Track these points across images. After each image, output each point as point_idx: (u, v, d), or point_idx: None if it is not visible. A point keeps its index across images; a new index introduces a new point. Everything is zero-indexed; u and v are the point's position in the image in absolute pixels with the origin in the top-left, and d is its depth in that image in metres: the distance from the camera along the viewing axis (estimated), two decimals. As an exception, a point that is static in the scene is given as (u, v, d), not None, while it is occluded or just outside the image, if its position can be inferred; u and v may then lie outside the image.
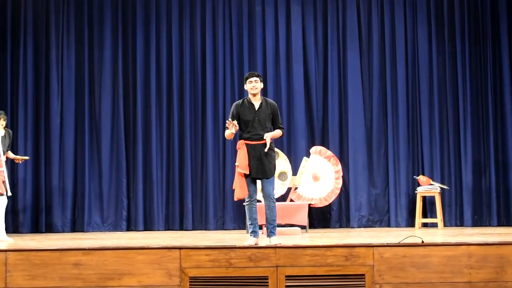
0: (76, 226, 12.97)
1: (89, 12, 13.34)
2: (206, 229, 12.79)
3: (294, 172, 12.15)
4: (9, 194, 10.39)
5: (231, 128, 8.08)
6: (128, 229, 12.86)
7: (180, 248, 7.50)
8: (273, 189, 8.35)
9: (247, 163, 8.15)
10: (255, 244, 7.89)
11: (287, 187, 12.14)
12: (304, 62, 13.13)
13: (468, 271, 7.33)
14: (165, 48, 13.29)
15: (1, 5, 13.28)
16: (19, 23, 13.27)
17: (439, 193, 12.18)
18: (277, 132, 8.34)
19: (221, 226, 12.89)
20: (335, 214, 12.85)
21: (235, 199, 8.45)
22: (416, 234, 9.22)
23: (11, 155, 10.80)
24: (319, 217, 12.87)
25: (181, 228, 12.90)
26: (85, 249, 7.59)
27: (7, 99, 13.13)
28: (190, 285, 7.36)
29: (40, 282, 7.43)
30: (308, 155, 12.19)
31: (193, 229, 12.78)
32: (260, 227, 11.62)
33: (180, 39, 13.32)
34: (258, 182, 8.41)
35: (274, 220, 8.29)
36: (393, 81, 13.05)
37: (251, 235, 8.22)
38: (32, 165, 12.96)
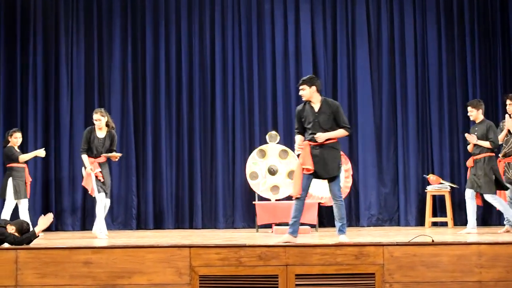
0: (86, 224, 12.99)
1: (99, 11, 13.36)
2: (215, 228, 12.80)
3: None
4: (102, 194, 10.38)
5: (298, 150, 8.29)
6: (138, 227, 12.87)
7: (190, 246, 7.50)
8: (339, 188, 8.36)
9: (311, 161, 8.16)
10: (288, 242, 7.88)
11: (296, 186, 12.14)
12: (313, 60, 13.13)
13: (479, 270, 7.31)
14: (174, 47, 13.31)
15: (11, 5, 13.31)
16: (28, 22, 13.29)
17: (449, 192, 12.16)
18: (340, 132, 8.27)
19: (231, 224, 12.90)
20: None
21: (292, 195, 8.41)
22: (426, 233, 9.21)
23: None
24: (329, 216, 12.82)
25: (191, 226, 12.91)
26: (95, 248, 7.61)
27: (17, 98, 13.15)
28: (200, 283, 7.36)
29: (51, 280, 7.45)
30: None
31: (202, 228, 12.79)
32: (268, 226, 11.68)
33: (189, 38, 13.33)
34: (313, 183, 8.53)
35: (343, 218, 8.25)
36: (402, 79, 13.03)
37: (288, 231, 8.18)
38: (42, 163, 12.98)
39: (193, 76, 13.23)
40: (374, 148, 12.93)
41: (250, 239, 9.15)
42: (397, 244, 7.44)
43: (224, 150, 13.07)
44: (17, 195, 10.97)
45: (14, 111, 13.13)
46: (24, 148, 12.92)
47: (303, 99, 8.34)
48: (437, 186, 12.18)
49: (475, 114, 10.37)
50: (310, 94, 8.28)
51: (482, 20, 13.02)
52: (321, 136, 8.12)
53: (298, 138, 8.33)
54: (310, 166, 8.13)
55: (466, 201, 10.33)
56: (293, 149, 12.45)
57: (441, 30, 13.06)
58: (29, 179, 11.35)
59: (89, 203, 12.93)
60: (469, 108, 10.44)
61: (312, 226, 11.51)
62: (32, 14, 13.28)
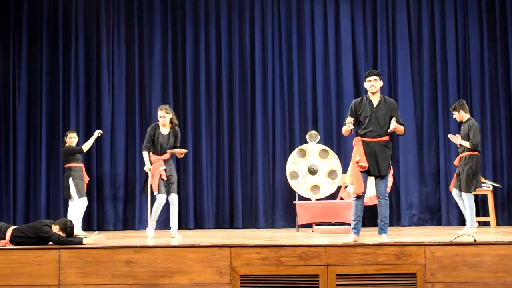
0: (128, 224, 13.10)
1: (139, 12, 13.47)
2: (256, 228, 12.81)
3: (344, 170, 12.10)
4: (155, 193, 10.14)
5: (350, 126, 8.01)
6: (179, 227, 12.80)
7: (230, 246, 7.51)
8: (386, 187, 8.24)
9: (366, 158, 8.09)
10: (354, 242, 7.83)
11: (337, 186, 12.12)
12: (353, 60, 13.09)
13: (522, 270, 7.23)
14: (214, 46, 13.35)
15: (53, 7, 13.48)
16: (70, 24, 13.45)
17: (491, 191, 12.03)
18: (401, 127, 8.21)
19: (271, 224, 12.90)
20: (385, 212, 12.76)
21: (353, 194, 8.35)
22: (466, 233, 9.12)
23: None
24: (369, 216, 12.75)
25: (231, 226, 12.94)
26: (136, 247, 7.65)
27: (59, 99, 13.31)
28: (240, 283, 7.37)
29: (93, 280, 7.51)
30: (358, 153, 12.13)
31: (243, 228, 12.81)
32: (308, 226, 11.65)
33: (229, 38, 13.36)
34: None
35: (386, 218, 8.14)
36: (443, 79, 12.92)
37: (352, 231, 8.10)
38: (84, 163, 13.11)
39: (233, 76, 13.26)
40: (415, 148, 12.84)
41: (291, 239, 9.13)
42: (439, 244, 7.37)
43: (264, 150, 13.08)
44: (80, 193, 11.18)
45: (57, 113, 13.29)
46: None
47: (372, 90, 8.18)
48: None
49: (458, 115, 10.54)
50: (379, 87, 8.21)
51: (524, 19, 12.89)
52: (393, 124, 7.99)
53: (349, 119, 8.09)
54: (365, 163, 8.06)
55: (456, 200, 10.57)
56: (333, 149, 12.46)
57: (483, 29, 12.93)
58: (86, 178, 11.53)
59: (130, 201, 13.05)
60: (453, 112, 10.64)
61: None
62: (73, 17, 13.44)
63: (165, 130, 10.12)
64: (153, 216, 10.12)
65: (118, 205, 13.06)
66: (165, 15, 13.45)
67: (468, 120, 10.45)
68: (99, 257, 7.56)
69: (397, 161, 12.73)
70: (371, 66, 13.08)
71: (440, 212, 12.68)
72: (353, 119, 8.07)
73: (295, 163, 12.23)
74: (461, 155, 10.39)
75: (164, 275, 7.47)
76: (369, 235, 9.92)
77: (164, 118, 10.11)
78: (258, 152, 13.05)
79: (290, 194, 12.55)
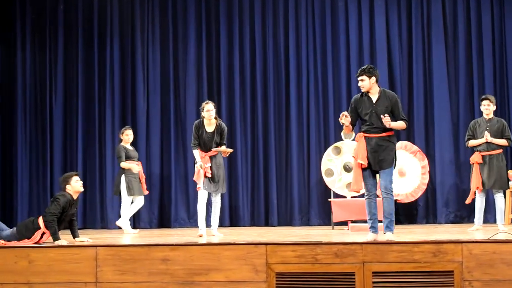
0: (163, 222, 13.16)
1: (173, 11, 13.52)
2: (291, 225, 12.80)
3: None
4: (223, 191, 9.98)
5: (342, 119, 7.94)
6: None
7: (266, 244, 7.51)
8: (391, 181, 8.05)
9: (366, 154, 7.95)
10: (374, 240, 7.74)
11: (372, 183, 12.06)
12: (388, 56, 13.01)
13: (561, 268, 7.14)
14: (248, 44, 13.36)
15: (88, 6, 13.58)
16: (105, 24, 13.55)
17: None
18: (399, 123, 8.04)
19: (306, 222, 12.88)
20: (421, 210, 12.69)
21: (350, 191, 8.30)
22: (506, 230, 9.03)
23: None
24: (406, 213, 12.73)
25: (266, 224, 12.95)
26: (172, 245, 7.69)
27: (95, 99, 13.42)
28: (276, 280, 7.37)
29: (129, 277, 7.56)
30: (393, 150, 12.06)
31: (278, 225, 12.81)
32: (344, 223, 11.61)
33: (263, 36, 13.36)
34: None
35: (391, 214, 8.03)
36: (480, 74, 12.80)
37: (370, 231, 8.03)
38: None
39: (268, 73, 13.26)
40: (451, 145, 12.72)
41: (326, 237, 9.13)
42: (476, 242, 7.31)
43: (299, 148, 13.07)
44: (130, 191, 11.26)
45: (93, 113, 13.41)
46: (102, 150, 13.21)
47: (362, 90, 8.10)
48: (517, 182, 11.93)
49: (492, 109, 10.35)
50: (369, 85, 8.06)
51: None
52: (388, 119, 7.86)
53: (344, 113, 8.02)
54: (363, 161, 7.92)
55: (482, 200, 10.49)
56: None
57: (520, 23, 12.81)
58: (143, 176, 11.62)
59: (165, 200, 13.12)
60: (487, 102, 10.35)
61: (389, 223, 11.38)
62: (108, 16, 13.53)
63: (210, 127, 9.75)
64: (200, 215, 9.69)
65: (153, 203, 13.11)
66: (199, 13, 13.48)
67: (493, 116, 10.32)
68: (135, 255, 7.61)
69: (433, 158, 12.64)
70: (406, 61, 13.01)
71: (477, 209, 12.57)
72: (347, 114, 7.99)
73: (330, 161, 12.19)
74: (491, 152, 10.21)
75: (200, 272, 7.49)
76: (404, 233, 9.88)
77: (210, 112, 9.69)
78: (293, 150, 13.04)
79: (325, 191, 12.53)
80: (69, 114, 13.52)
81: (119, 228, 11.51)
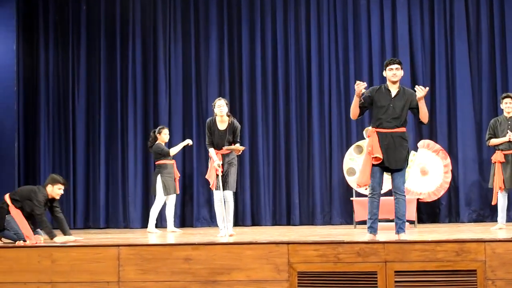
0: (186, 221, 13.19)
1: (195, 9, 13.56)
2: (313, 224, 12.79)
3: (403, 167, 11.98)
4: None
5: (360, 87, 7.73)
6: (236, 224, 12.87)
7: (288, 243, 7.50)
8: (404, 182, 7.90)
9: (380, 150, 7.74)
10: (373, 240, 7.62)
11: (394, 182, 12.01)
12: (410, 53, 12.95)
13: None
14: (270, 42, 13.37)
15: (110, 6, 13.65)
16: (127, 23, 13.63)
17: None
18: (425, 109, 7.87)
19: (328, 221, 12.86)
20: (444, 208, 12.63)
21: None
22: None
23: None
24: (428, 212, 12.68)
25: (288, 223, 12.94)
26: (194, 244, 7.69)
27: (117, 98, 13.50)
28: (298, 280, 7.35)
29: (152, 277, 7.57)
30: (416, 149, 12.01)
31: (300, 224, 12.80)
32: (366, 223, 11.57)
33: (285, 34, 13.36)
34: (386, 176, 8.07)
35: (403, 215, 7.84)
36: (503, 72, 12.70)
37: (368, 231, 7.90)
38: (142, 162, 13.27)
39: (289, 71, 13.25)
40: (474, 144, 12.64)
41: (348, 236, 9.09)
42: (500, 240, 7.26)
43: (321, 147, 13.05)
44: (167, 191, 11.36)
45: (115, 112, 13.47)
46: (124, 149, 13.26)
47: (394, 79, 7.87)
48: (541, 180, 11.83)
49: None
50: (399, 77, 7.92)
51: None
52: (421, 93, 7.68)
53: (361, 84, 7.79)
54: (379, 154, 7.70)
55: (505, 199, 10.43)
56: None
57: (544, 19, 12.70)
58: (177, 175, 11.69)
59: (187, 199, 13.14)
60: (509, 100, 10.30)
61: (411, 222, 11.35)
62: (131, 15, 13.60)
63: (222, 125, 9.43)
64: (218, 217, 9.55)
65: (176, 202, 13.12)
66: (221, 12, 13.51)
67: None
68: (158, 254, 7.62)
69: (455, 156, 12.57)
70: (429, 59, 12.95)
71: (501, 207, 12.48)
72: (365, 84, 7.77)
73: (352, 160, 12.16)
74: None
75: (222, 272, 7.49)
76: (428, 232, 9.83)
77: (221, 108, 9.38)
78: (315, 149, 13.02)
79: (347, 190, 12.50)
80: (91, 113, 13.60)
81: (145, 229, 11.61)
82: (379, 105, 7.86)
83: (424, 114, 7.91)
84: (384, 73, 8.01)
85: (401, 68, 7.96)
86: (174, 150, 11.52)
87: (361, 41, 13.13)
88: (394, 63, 7.91)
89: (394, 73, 7.89)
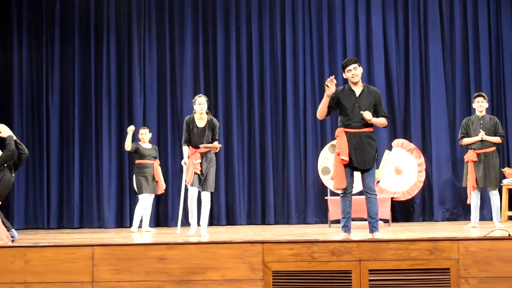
0: (160, 221, 13.16)
1: (170, 9, 13.54)
2: (288, 224, 12.82)
3: (376, 166, 12.02)
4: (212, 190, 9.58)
5: (331, 85, 7.65)
6: (211, 223, 12.88)
7: (262, 242, 7.49)
8: (374, 181, 7.92)
9: (348, 151, 7.71)
10: (347, 239, 7.65)
11: (369, 181, 12.06)
12: (384, 54, 13.03)
13: (558, 265, 7.13)
14: (245, 43, 13.38)
15: (84, 5, 13.59)
16: (102, 22, 13.59)
17: (519, 185, 11.92)
18: (381, 120, 7.81)
19: (303, 220, 12.90)
20: (418, 207, 12.71)
21: (334, 189, 8.22)
22: (503, 227, 9.04)
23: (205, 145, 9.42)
24: (402, 211, 12.75)
25: (263, 222, 12.96)
26: (169, 244, 7.67)
27: (92, 98, 13.45)
28: (273, 279, 7.35)
29: (126, 276, 7.53)
30: (390, 148, 12.08)
31: (275, 224, 12.82)
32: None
33: (260, 34, 13.38)
34: (356, 175, 8.03)
35: (376, 214, 7.90)
36: (476, 72, 12.81)
37: (342, 230, 7.93)
38: (117, 160, 13.22)
39: (264, 72, 13.27)
40: (447, 142, 12.73)
41: (323, 235, 9.11)
42: (473, 239, 7.30)
43: (296, 146, 13.07)
44: (139, 190, 11.34)
45: (89, 111, 13.42)
46: (99, 147, 13.20)
47: (355, 79, 7.76)
48: (514, 179, 11.96)
49: (485, 106, 10.31)
50: (360, 76, 7.82)
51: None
52: (369, 115, 7.63)
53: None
54: (345, 157, 7.69)
55: (478, 199, 10.41)
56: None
57: (516, 19, 12.81)
58: (157, 175, 11.56)
59: (162, 198, 13.10)
60: (481, 99, 10.29)
61: (385, 221, 11.41)
62: (105, 14, 13.56)
63: (201, 122, 9.36)
64: (190, 213, 9.63)
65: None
66: (196, 12, 13.50)
67: (485, 114, 10.31)
68: (132, 254, 7.58)
69: (429, 155, 12.65)
70: (403, 61, 13.03)
71: (474, 206, 12.58)
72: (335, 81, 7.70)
73: (326, 159, 12.19)
74: (485, 150, 10.16)
75: (197, 271, 7.47)
76: (401, 231, 9.89)
77: (201, 105, 9.30)
78: (290, 148, 13.05)
79: (322, 189, 12.54)
80: (65, 113, 13.53)
81: (120, 228, 11.56)
82: (345, 106, 7.80)
83: (380, 126, 7.94)
84: (344, 75, 7.90)
85: (359, 65, 7.86)
86: (127, 146, 11.42)
87: (336, 42, 13.18)
88: (350, 63, 7.80)
89: (353, 74, 7.79)
